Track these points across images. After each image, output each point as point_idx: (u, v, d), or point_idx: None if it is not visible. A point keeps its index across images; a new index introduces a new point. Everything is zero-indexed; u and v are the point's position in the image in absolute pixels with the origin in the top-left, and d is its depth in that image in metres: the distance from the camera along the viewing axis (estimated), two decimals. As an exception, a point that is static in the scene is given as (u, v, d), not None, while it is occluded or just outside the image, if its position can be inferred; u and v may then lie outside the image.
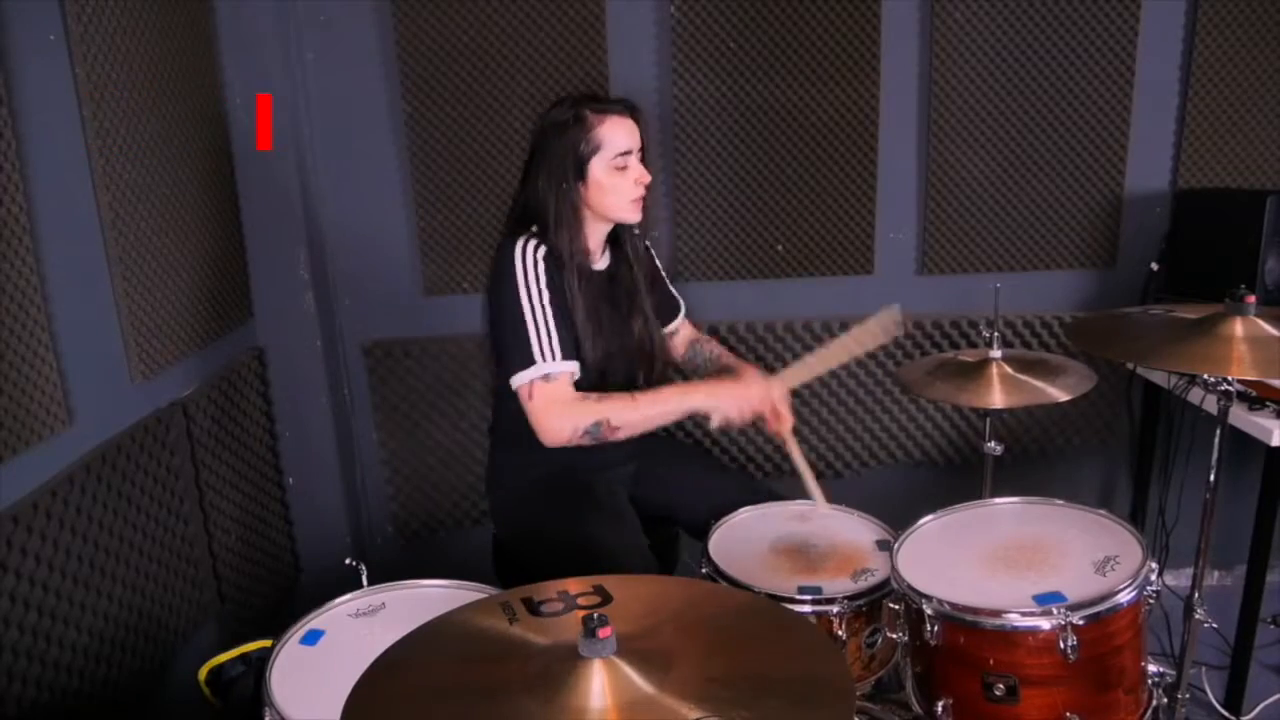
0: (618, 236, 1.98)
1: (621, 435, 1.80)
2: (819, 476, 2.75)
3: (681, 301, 2.19)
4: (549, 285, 1.78)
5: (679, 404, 1.84)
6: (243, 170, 2.34)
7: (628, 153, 1.83)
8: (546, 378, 1.76)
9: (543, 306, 1.77)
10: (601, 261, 1.96)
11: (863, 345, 1.97)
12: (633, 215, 1.88)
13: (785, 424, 1.92)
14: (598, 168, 1.82)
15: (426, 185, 2.54)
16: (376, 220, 2.58)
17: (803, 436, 2.77)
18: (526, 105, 2.48)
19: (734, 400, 1.85)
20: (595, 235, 1.91)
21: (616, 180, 1.83)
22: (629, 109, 1.86)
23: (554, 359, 1.76)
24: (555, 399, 1.76)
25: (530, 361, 1.76)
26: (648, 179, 1.86)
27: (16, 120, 1.50)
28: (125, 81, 1.80)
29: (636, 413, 1.80)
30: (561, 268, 1.81)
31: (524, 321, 1.77)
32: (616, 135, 1.82)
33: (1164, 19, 2.56)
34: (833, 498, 1.98)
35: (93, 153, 1.70)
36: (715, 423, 1.85)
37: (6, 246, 1.46)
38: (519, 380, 1.78)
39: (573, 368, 1.80)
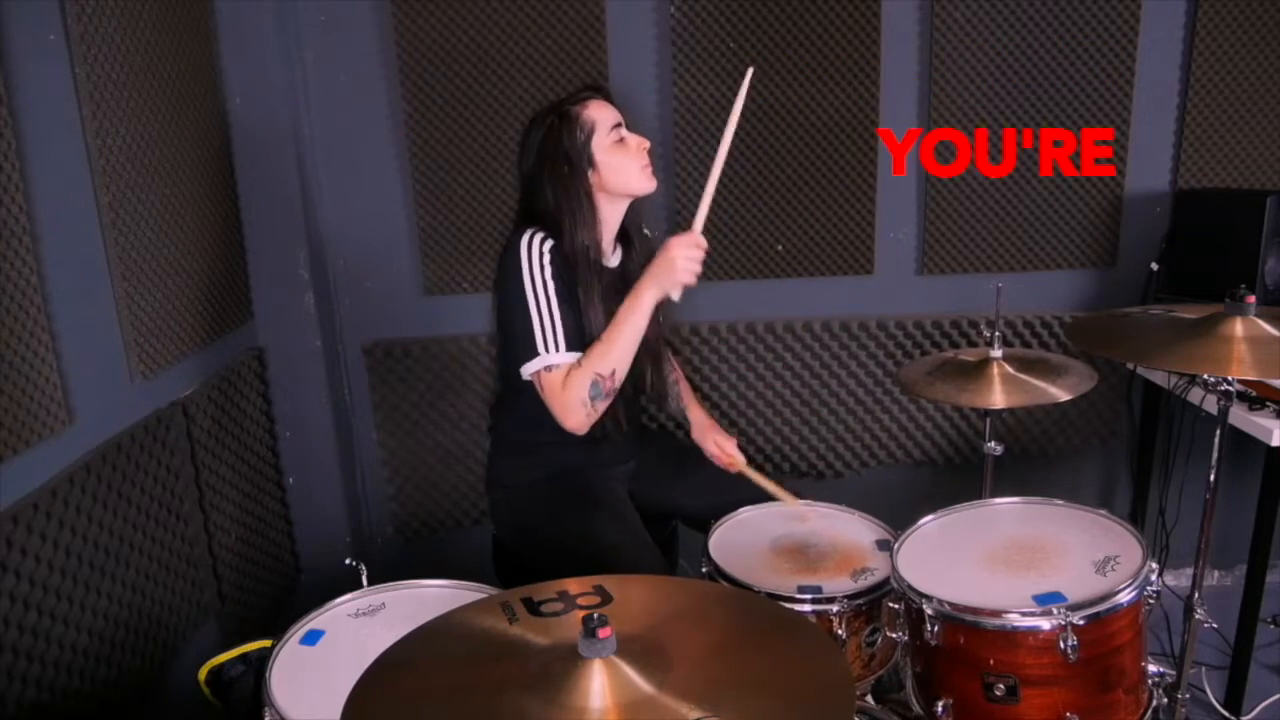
0: (628, 237, 1.99)
1: (620, 378, 1.81)
2: (819, 477, 2.80)
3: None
4: (555, 275, 1.80)
5: (638, 313, 1.81)
6: (243, 170, 2.34)
7: (618, 125, 1.88)
8: (549, 368, 1.79)
9: (548, 297, 1.79)
10: (613, 259, 1.97)
11: (735, 122, 1.85)
12: (647, 183, 1.90)
13: (738, 462, 2.04)
14: (599, 148, 1.86)
15: (426, 185, 2.54)
16: (376, 220, 2.58)
17: (803, 436, 2.77)
18: (526, 105, 2.48)
19: (676, 272, 1.78)
20: (609, 225, 1.92)
21: (621, 154, 1.87)
22: (598, 91, 1.92)
23: (558, 350, 1.78)
24: (555, 387, 1.80)
25: (534, 353, 1.79)
26: (648, 143, 1.90)
27: (16, 120, 1.50)
28: (125, 81, 1.80)
29: (613, 349, 1.80)
30: (574, 265, 1.83)
31: (529, 312, 1.79)
32: (601, 114, 1.87)
33: (1164, 19, 2.55)
34: (827, 498, 1.99)
35: (93, 153, 1.70)
36: (676, 296, 1.81)
37: (6, 246, 1.46)
38: (527, 371, 1.81)
39: (575, 359, 1.81)
